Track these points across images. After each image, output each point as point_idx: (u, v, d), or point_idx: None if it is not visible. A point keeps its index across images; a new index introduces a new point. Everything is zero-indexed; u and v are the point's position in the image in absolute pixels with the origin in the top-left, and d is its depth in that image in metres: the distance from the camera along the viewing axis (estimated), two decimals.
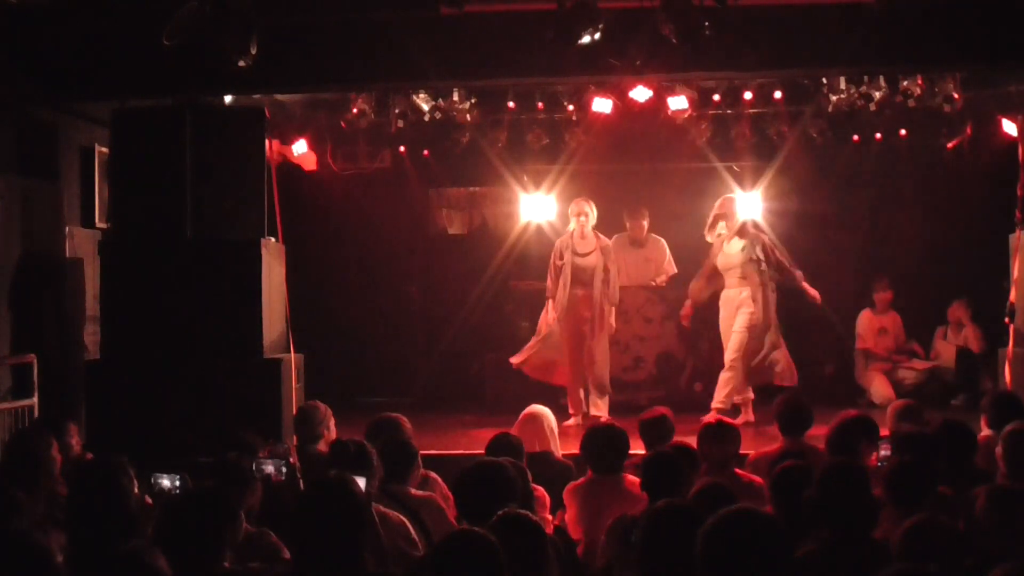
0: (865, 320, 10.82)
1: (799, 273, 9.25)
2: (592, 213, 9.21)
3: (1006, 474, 4.80)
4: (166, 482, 4.32)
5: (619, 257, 10.79)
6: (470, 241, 12.31)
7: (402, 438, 5.60)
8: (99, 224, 8.99)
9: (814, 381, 10.55)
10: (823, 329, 11.19)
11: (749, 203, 10.42)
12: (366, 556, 3.59)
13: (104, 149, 8.78)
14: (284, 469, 5.07)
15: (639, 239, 10.71)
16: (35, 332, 8.28)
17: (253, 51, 6.84)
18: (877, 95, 9.37)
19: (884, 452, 5.42)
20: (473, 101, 9.88)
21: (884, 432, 5.83)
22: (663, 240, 10.59)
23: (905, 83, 9.23)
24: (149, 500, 4.53)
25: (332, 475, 3.97)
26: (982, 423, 6.09)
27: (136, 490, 4.27)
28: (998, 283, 9.21)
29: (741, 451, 5.95)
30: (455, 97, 9.73)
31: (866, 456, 5.39)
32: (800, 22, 7.76)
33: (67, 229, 8.77)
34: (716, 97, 9.89)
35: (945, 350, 10.69)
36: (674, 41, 6.84)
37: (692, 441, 5.77)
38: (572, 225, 9.23)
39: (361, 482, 4.13)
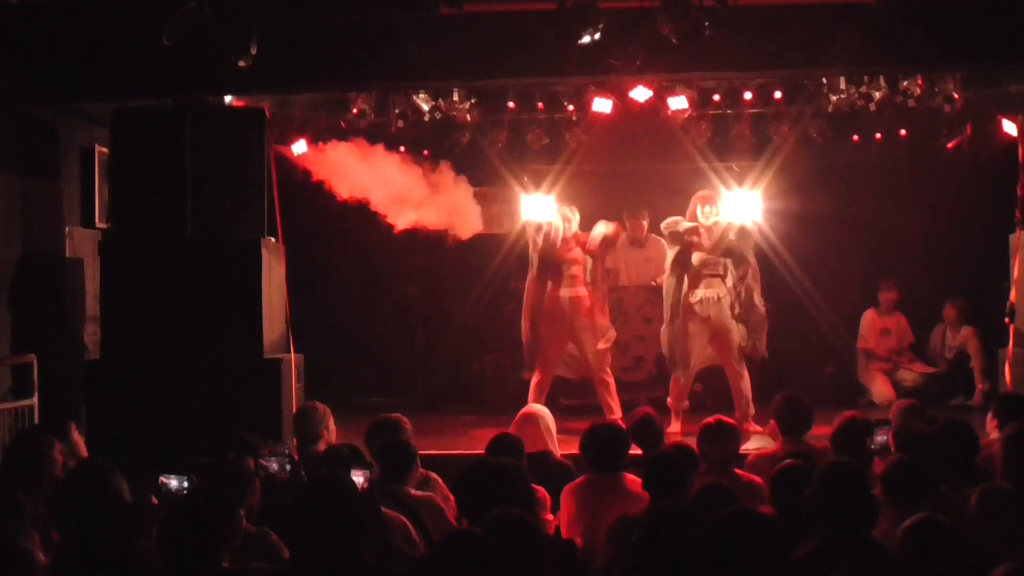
0: (868, 320, 10.82)
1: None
2: (575, 219, 9.08)
3: (1003, 475, 4.80)
4: (174, 483, 4.32)
5: (619, 257, 10.81)
6: (470, 241, 12.30)
7: (401, 438, 5.59)
8: (99, 224, 8.99)
9: (814, 381, 10.57)
10: (823, 329, 11.20)
11: (749, 203, 10.42)
12: (365, 553, 3.59)
13: (104, 149, 8.78)
14: (288, 467, 5.07)
15: (639, 239, 10.72)
16: (35, 332, 8.28)
17: (253, 51, 6.85)
18: (877, 95, 9.37)
19: (880, 438, 5.42)
20: (473, 101, 9.87)
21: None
22: (663, 240, 10.59)
23: (905, 83, 9.22)
24: (155, 500, 4.53)
25: (324, 474, 3.98)
26: (988, 425, 6.07)
27: (128, 492, 4.27)
28: (998, 283, 9.21)
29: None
30: (455, 97, 9.72)
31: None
32: (800, 22, 7.77)
33: (67, 229, 8.77)
34: (716, 97, 9.89)
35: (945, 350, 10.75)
36: (674, 41, 6.84)
37: (692, 441, 5.77)
38: (555, 223, 9.04)
39: (361, 476, 4.14)
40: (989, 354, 9.84)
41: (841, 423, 5.64)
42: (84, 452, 6.14)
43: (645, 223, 10.68)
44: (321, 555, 3.48)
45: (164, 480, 4.34)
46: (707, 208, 8.92)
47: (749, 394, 8.86)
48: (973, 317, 10.64)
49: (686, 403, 8.98)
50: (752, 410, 8.78)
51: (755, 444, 7.96)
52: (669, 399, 8.97)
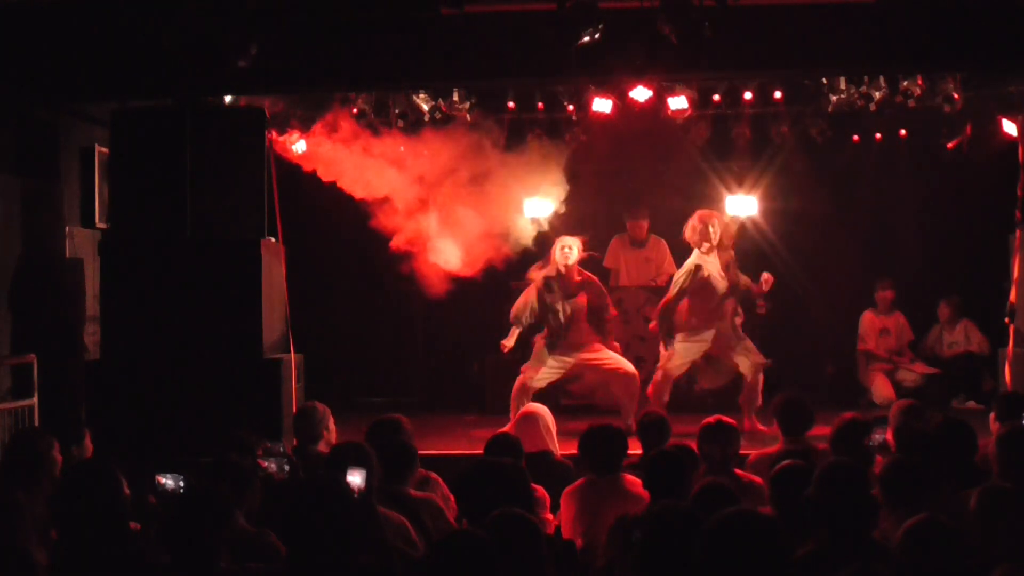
0: (867, 321, 10.84)
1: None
2: (575, 251, 8.84)
3: (998, 474, 4.81)
4: (170, 482, 4.33)
5: (619, 257, 10.80)
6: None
7: (401, 438, 5.59)
8: (99, 224, 9.00)
9: (814, 381, 10.57)
10: (823, 329, 11.21)
11: (749, 203, 10.44)
12: (360, 553, 3.59)
13: (104, 149, 8.78)
14: (286, 467, 5.07)
15: (640, 238, 10.72)
16: (35, 332, 8.28)
17: (253, 51, 6.85)
18: (877, 95, 9.36)
19: (878, 436, 5.41)
20: (473, 101, 9.87)
21: (888, 435, 5.82)
22: (664, 241, 10.60)
23: (905, 83, 9.22)
24: (153, 500, 4.54)
25: (320, 475, 3.98)
26: (992, 425, 6.07)
27: (128, 491, 4.27)
28: (998, 283, 9.21)
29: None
30: (455, 97, 9.71)
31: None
32: (800, 22, 7.76)
33: (67, 229, 8.77)
34: (716, 97, 9.88)
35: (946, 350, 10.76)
36: (674, 41, 6.84)
37: (692, 441, 5.77)
38: (558, 257, 8.78)
39: (359, 475, 4.15)
40: (992, 353, 9.85)
41: (840, 425, 5.62)
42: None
43: (646, 223, 10.67)
44: (316, 556, 3.49)
45: (160, 479, 4.34)
46: (711, 228, 8.83)
47: (759, 389, 8.85)
48: (969, 314, 10.67)
49: (666, 397, 8.96)
50: (760, 402, 8.76)
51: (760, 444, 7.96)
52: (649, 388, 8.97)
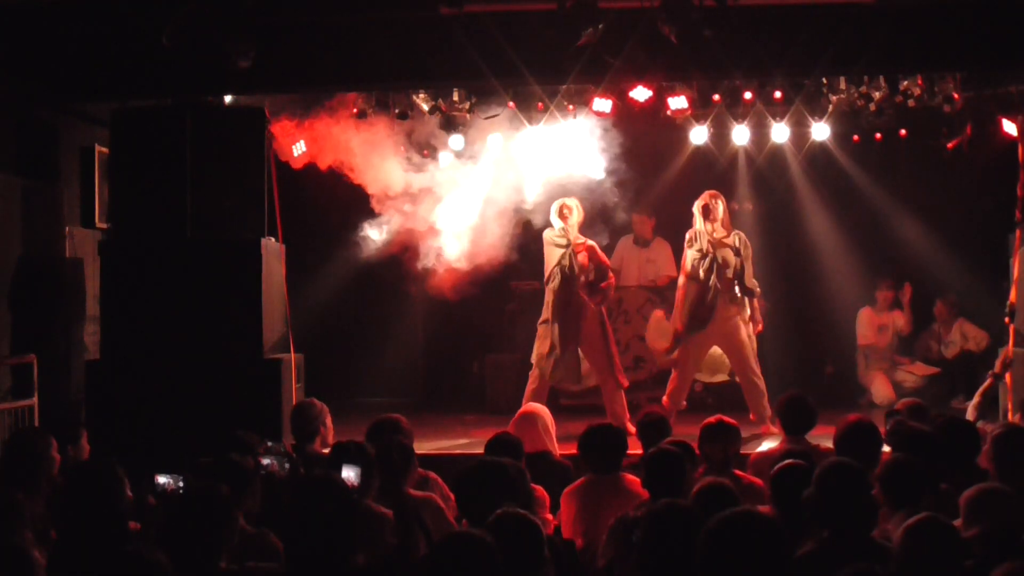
0: (865, 318, 10.85)
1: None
2: (576, 214, 8.88)
3: (994, 475, 4.82)
4: (169, 482, 4.33)
5: (623, 257, 10.78)
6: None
7: (400, 438, 5.59)
8: (99, 224, 8.99)
9: (814, 381, 10.57)
10: (823, 329, 11.20)
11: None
12: (355, 551, 3.59)
13: (104, 149, 8.78)
14: (287, 465, 5.08)
15: (645, 237, 10.70)
16: (35, 332, 8.28)
17: (253, 51, 6.85)
18: (877, 95, 9.36)
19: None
20: (473, 101, 9.86)
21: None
22: (668, 244, 10.58)
23: (905, 83, 9.22)
24: (153, 500, 4.53)
25: (317, 474, 3.99)
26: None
27: (129, 491, 4.27)
28: (997, 283, 9.21)
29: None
30: (455, 97, 9.71)
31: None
32: (800, 22, 7.76)
33: (67, 229, 8.77)
34: (716, 97, 9.87)
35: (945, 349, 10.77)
36: (674, 41, 6.84)
37: (693, 442, 5.76)
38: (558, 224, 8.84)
39: (353, 472, 4.13)
40: (992, 352, 9.84)
41: (845, 426, 5.57)
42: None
43: (651, 222, 10.66)
44: (315, 555, 3.49)
45: (160, 479, 4.34)
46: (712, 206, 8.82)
47: (765, 395, 8.80)
48: (965, 313, 10.67)
49: (683, 403, 8.95)
50: (769, 411, 8.71)
51: (768, 445, 7.95)
52: (665, 398, 8.93)
